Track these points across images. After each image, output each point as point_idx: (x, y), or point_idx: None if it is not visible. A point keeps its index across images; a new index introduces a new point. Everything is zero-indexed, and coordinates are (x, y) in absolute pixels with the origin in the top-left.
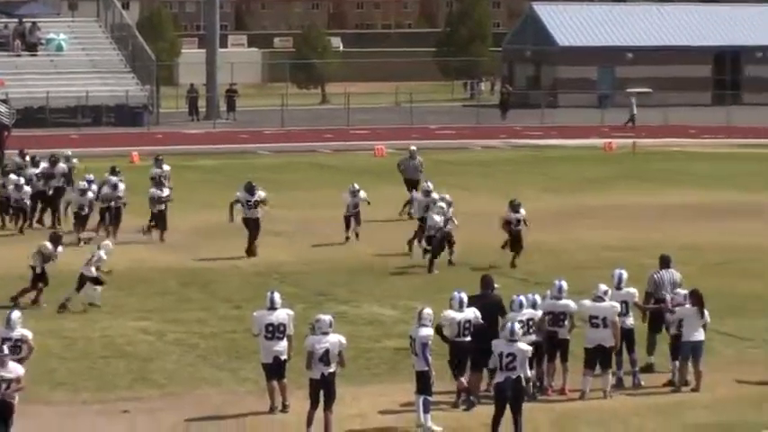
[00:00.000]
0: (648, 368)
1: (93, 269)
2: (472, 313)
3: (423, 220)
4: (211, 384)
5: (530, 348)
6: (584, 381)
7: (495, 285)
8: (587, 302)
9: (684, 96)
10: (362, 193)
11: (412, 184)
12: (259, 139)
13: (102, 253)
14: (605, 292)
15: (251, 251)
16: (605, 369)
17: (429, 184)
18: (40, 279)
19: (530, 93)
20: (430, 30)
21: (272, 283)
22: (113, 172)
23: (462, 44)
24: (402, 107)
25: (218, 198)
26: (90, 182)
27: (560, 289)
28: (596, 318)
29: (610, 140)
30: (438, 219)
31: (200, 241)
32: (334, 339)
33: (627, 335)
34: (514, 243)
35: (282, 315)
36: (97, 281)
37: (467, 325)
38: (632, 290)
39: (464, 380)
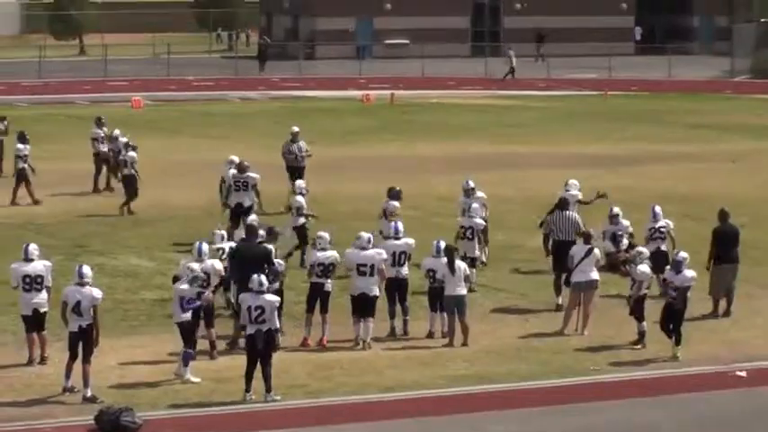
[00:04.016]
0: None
1: None
2: (211, 264)
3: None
4: None
5: (277, 299)
6: (355, 328)
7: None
8: (353, 251)
9: (443, 48)
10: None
11: (296, 173)
12: (16, 91)
13: None
14: (369, 240)
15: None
16: (365, 317)
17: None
18: None
19: (288, 44)
20: None
21: (28, 234)
22: None
23: None
24: (160, 58)
25: None
26: None
27: (328, 240)
28: (364, 266)
29: (368, 92)
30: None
31: None
32: (87, 292)
33: (402, 285)
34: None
35: (39, 266)
36: None
37: (204, 276)
38: (411, 240)
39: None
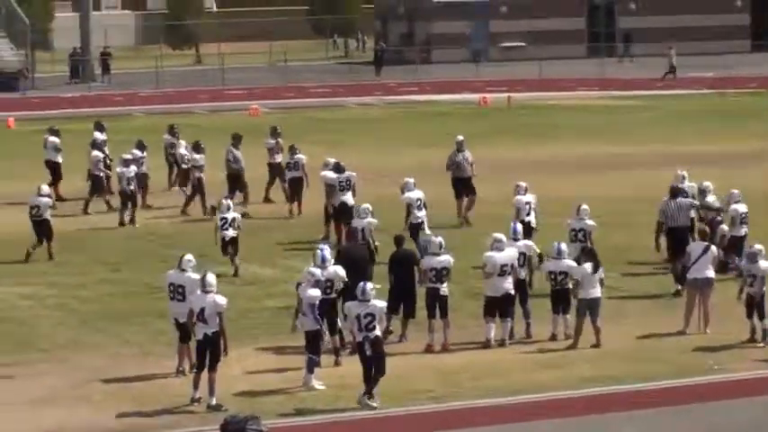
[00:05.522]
0: (677, 293)
1: None
2: (334, 271)
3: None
4: (94, 348)
5: (384, 304)
6: (487, 328)
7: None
8: (494, 254)
9: (559, 49)
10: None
11: (463, 185)
12: (134, 102)
13: None
14: (504, 242)
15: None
16: (506, 318)
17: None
18: None
19: (404, 49)
20: None
21: (150, 245)
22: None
23: (335, 1)
24: (277, 66)
25: None
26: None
27: (440, 245)
28: (506, 266)
29: (485, 95)
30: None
31: (76, 205)
32: (211, 299)
33: (522, 287)
34: None
35: (184, 277)
36: None
37: (328, 283)
38: (530, 242)
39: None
